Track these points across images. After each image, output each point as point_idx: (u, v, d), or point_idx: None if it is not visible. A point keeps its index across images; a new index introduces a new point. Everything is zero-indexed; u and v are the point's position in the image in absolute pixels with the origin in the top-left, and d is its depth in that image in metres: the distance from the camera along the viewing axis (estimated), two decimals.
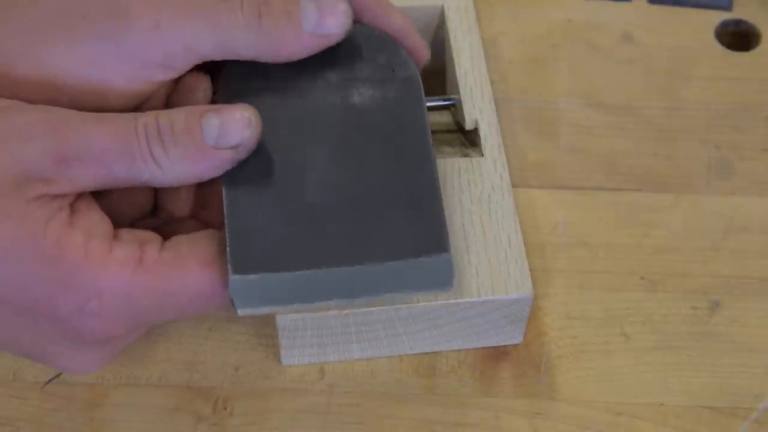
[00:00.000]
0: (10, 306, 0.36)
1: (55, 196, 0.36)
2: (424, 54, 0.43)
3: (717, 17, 0.60)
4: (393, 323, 0.45)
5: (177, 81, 0.41)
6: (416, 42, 0.43)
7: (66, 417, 0.45)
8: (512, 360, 0.47)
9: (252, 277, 0.37)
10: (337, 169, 0.40)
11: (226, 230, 0.38)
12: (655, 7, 0.60)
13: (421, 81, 0.42)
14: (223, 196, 0.38)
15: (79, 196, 0.37)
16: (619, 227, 0.52)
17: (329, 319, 0.44)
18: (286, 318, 0.44)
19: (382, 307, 0.44)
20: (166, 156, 0.37)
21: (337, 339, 0.45)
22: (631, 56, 0.58)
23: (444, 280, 0.38)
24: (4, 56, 0.38)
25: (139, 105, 0.40)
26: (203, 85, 0.41)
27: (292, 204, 0.39)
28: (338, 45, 0.40)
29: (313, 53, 0.40)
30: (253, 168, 0.39)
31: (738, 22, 0.60)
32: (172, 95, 0.41)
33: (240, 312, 0.37)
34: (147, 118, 0.37)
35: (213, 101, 0.41)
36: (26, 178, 0.35)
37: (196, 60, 0.39)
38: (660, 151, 0.55)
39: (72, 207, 0.37)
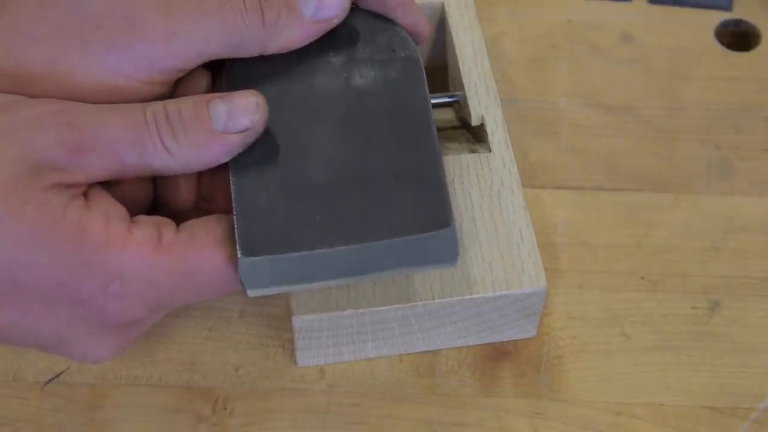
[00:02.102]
0: (31, 293, 0.37)
1: (69, 186, 0.37)
2: (426, 29, 0.44)
3: (717, 17, 0.60)
4: (408, 320, 0.45)
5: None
6: (416, 18, 0.43)
7: (66, 417, 0.45)
8: (512, 360, 0.47)
9: (260, 258, 0.37)
10: (341, 150, 0.40)
11: (234, 213, 0.38)
12: (655, 7, 0.60)
13: (421, 60, 0.43)
14: (230, 180, 0.39)
15: (91, 185, 0.38)
16: (619, 227, 0.52)
17: (344, 318, 0.44)
18: (302, 319, 0.44)
19: (397, 305, 0.44)
20: (176, 143, 0.38)
21: (352, 338, 0.45)
22: (631, 56, 0.58)
23: (450, 254, 0.39)
24: (23, 68, 0.38)
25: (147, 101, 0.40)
26: (204, 79, 0.42)
27: (297, 185, 0.39)
28: (338, 28, 0.41)
29: (315, 38, 0.41)
30: (258, 151, 0.39)
31: (738, 22, 0.60)
32: (175, 89, 0.41)
33: (250, 293, 0.38)
34: (155, 106, 0.38)
35: (216, 91, 0.42)
36: (41, 167, 0.36)
37: (206, 60, 0.40)
38: (660, 151, 0.55)
39: (86, 195, 0.37)
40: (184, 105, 0.38)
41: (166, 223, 0.38)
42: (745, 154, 0.55)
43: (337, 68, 0.42)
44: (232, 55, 0.40)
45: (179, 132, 0.38)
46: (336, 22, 0.41)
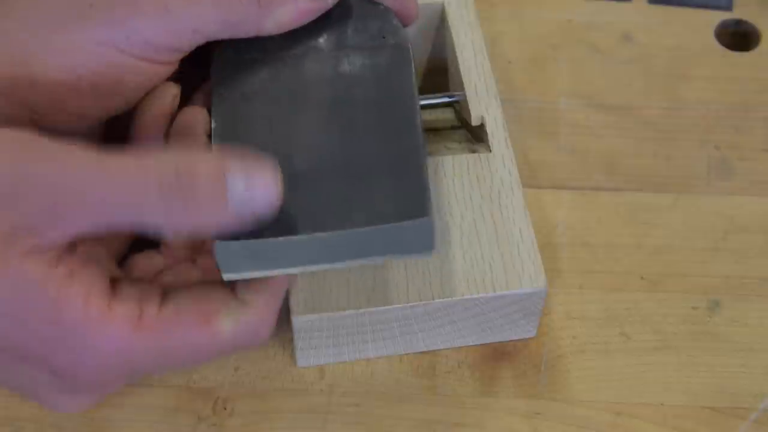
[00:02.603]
0: (5, 355, 0.36)
1: (49, 249, 0.34)
2: (414, 10, 0.44)
3: (717, 17, 0.60)
4: (408, 321, 0.45)
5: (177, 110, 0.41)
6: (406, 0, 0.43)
7: (66, 417, 0.45)
8: (512, 360, 0.47)
9: (236, 242, 0.37)
10: (324, 138, 0.40)
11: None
12: (655, 7, 0.60)
13: (410, 48, 0.43)
14: None
15: (79, 243, 0.36)
16: (619, 227, 0.52)
17: (344, 318, 0.44)
18: (302, 319, 0.44)
19: (398, 306, 0.44)
20: (184, 215, 0.35)
21: (352, 338, 0.45)
22: (631, 56, 0.58)
23: (426, 244, 0.38)
24: (20, 49, 0.38)
25: (151, 84, 0.40)
26: (202, 117, 0.41)
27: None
28: (330, 14, 0.41)
29: (309, 20, 0.41)
30: (242, 138, 0.39)
31: (738, 22, 0.60)
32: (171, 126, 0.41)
33: (225, 276, 0.38)
34: (164, 168, 0.34)
35: (197, 89, 0.42)
36: (16, 231, 0.34)
37: (202, 41, 0.40)
38: (660, 151, 0.55)
39: (69, 255, 0.35)
40: (200, 172, 0.34)
41: (150, 296, 0.37)
42: (745, 154, 0.55)
43: (327, 55, 0.42)
44: (228, 36, 0.40)
45: (190, 205, 0.34)
46: (331, 3, 0.41)
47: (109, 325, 0.35)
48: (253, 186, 0.35)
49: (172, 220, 0.35)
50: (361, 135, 0.40)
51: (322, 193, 0.39)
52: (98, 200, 0.34)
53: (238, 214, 0.35)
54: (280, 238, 0.37)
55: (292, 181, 0.39)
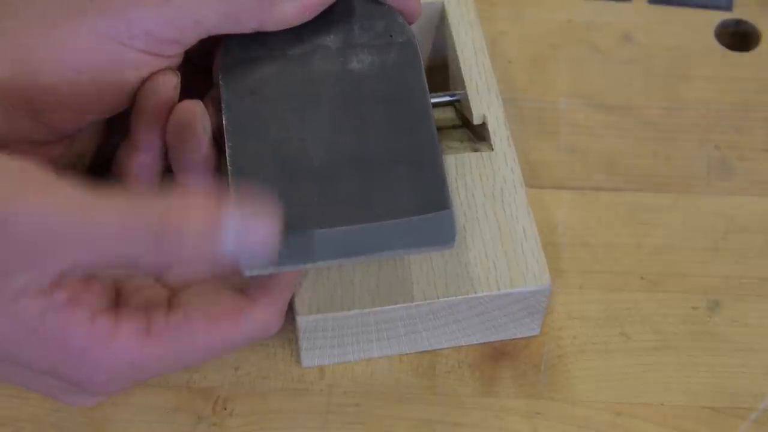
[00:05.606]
0: (18, 368, 0.36)
1: (41, 282, 0.34)
2: (417, 8, 0.44)
3: (717, 17, 0.60)
4: (413, 320, 0.45)
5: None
6: None
7: (66, 417, 0.45)
8: (512, 360, 0.47)
9: None
10: (339, 133, 0.40)
11: (232, 194, 0.38)
12: (655, 7, 0.60)
13: (418, 45, 0.43)
14: (228, 162, 0.39)
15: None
16: (619, 227, 0.52)
17: (349, 318, 0.44)
18: (307, 320, 0.44)
19: (402, 305, 0.44)
20: (172, 260, 0.34)
21: (357, 338, 0.45)
22: (631, 56, 0.58)
23: (447, 236, 0.39)
24: (21, 45, 0.38)
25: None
26: (200, 112, 0.40)
27: (295, 167, 0.39)
28: (336, 14, 0.42)
29: (314, 15, 0.41)
30: (255, 134, 0.40)
31: (738, 22, 0.60)
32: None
33: (247, 273, 0.38)
34: (152, 216, 0.33)
35: (206, 78, 0.42)
36: (5, 271, 0.33)
37: (204, 34, 0.40)
38: (660, 151, 0.55)
39: (68, 279, 0.34)
40: (189, 222, 0.33)
41: (157, 303, 0.37)
42: (745, 154, 0.55)
43: (334, 53, 0.42)
44: (229, 29, 0.40)
45: (178, 254, 0.34)
46: None
47: (117, 342, 0.35)
48: (248, 233, 0.34)
49: (160, 265, 0.35)
50: (376, 129, 0.40)
51: (341, 187, 0.39)
52: (80, 244, 0.33)
53: (231, 260, 0.34)
54: (300, 233, 0.38)
55: (309, 176, 0.39)
